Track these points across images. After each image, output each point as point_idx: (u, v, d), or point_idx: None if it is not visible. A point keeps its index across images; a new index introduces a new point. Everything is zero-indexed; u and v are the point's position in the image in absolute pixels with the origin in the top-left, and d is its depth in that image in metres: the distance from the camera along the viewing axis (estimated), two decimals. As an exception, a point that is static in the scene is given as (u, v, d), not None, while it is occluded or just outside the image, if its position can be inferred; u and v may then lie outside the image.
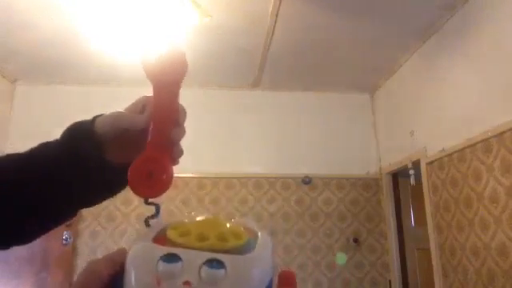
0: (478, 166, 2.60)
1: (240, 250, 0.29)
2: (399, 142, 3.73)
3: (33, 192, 0.48)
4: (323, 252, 3.85)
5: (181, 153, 0.47)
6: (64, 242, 3.49)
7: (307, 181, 3.98)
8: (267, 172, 3.99)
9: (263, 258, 0.30)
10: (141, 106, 0.50)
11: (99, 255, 3.59)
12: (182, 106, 0.47)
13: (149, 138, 0.44)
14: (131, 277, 0.28)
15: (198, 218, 0.34)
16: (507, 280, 2.34)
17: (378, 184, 4.08)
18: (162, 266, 0.27)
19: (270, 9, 2.82)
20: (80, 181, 0.49)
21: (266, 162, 4.02)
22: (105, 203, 0.56)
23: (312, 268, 3.81)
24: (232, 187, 3.93)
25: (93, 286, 0.29)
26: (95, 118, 0.50)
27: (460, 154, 2.80)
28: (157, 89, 0.44)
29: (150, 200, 0.42)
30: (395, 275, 3.79)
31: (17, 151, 0.51)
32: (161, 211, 0.41)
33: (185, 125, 0.48)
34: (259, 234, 0.33)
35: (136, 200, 3.75)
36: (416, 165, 3.39)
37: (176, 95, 0.45)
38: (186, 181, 3.85)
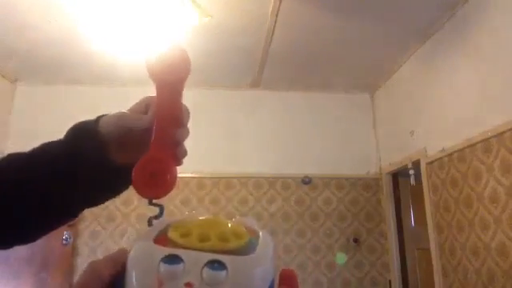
0: (478, 166, 2.60)
1: (241, 251, 0.29)
2: (399, 142, 3.72)
3: (36, 192, 0.48)
4: (323, 252, 3.85)
5: (185, 153, 0.47)
6: (64, 242, 3.49)
7: (307, 181, 3.98)
8: (267, 172, 3.99)
9: (265, 259, 0.30)
10: (144, 106, 0.49)
11: (99, 255, 3.60)
12: (185, 106, 0.47)
13: (152, 138, 0.44)
14: (132, 278, 0.28)
15: (199, 218, 0.33)
16: (507, 280, 2.34)
17: (377, 184, 4.08)
18: (163, 267, 0.27)
19: (270, 8, 2.82)
20: (83, 181, 0.49)
21: (266, 162, 4.02)
22: (105, 203, 0.55)
23: (312, 268, 3.81)
24: (232, 187, 3.93)
25: (94, 286, 0.29)
26: (99, 117, 0.50)
27: (460, 154, 2.80)
28: (160, 88, 0.44)
29: (154, 201, 0.42)
30: (395, 275, 3.79)
31: (17, 151, 0.51)
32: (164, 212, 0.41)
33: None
34: (260, 233, 0.33)
35: (136, 200, 3.75)
36: (416, 165, 3.39)
37: (179, 95, 0.45)
38: (185, 181, 3.84)
